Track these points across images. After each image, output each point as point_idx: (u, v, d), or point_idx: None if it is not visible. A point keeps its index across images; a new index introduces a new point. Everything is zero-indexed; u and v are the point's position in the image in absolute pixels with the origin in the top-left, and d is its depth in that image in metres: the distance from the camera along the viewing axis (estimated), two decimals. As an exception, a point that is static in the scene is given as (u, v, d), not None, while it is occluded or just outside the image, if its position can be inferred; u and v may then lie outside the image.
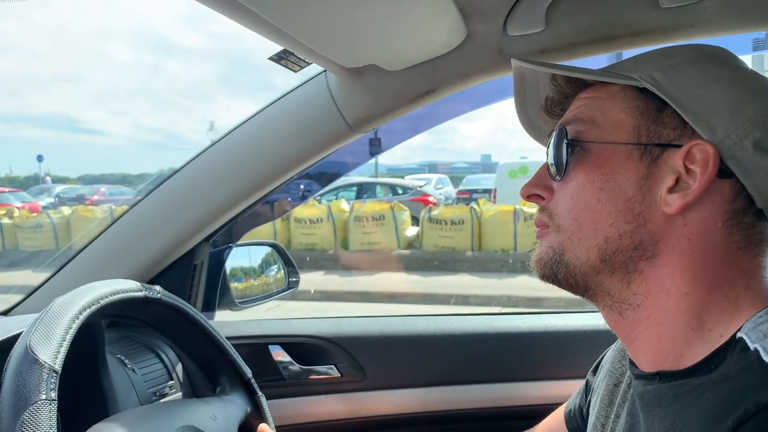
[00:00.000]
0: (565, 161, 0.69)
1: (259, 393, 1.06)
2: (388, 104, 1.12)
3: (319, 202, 10.98)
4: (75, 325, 0.74)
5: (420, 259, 9.56)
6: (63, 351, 0.70)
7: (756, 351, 0.55)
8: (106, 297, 0.82)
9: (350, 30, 0.88)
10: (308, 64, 1.07)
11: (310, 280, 8.64)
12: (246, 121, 1.23)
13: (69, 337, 0.73)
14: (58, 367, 0.68)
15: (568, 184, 0.70)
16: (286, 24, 0.82)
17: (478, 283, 8.45)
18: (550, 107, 0.79)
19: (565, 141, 0.70)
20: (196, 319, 1.02)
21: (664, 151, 0.64)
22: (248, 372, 1.08)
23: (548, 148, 0.73)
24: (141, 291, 0.90)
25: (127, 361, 1.22)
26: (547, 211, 0.73)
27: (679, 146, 0.64)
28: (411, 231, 10.57)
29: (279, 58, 1.04)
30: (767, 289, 0.64)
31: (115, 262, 1.30)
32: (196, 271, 1.41)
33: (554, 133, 0.72)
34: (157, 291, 0.94)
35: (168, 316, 1.01)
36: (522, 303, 7.16)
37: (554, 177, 0.72)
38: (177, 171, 1.29)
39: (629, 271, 0.66)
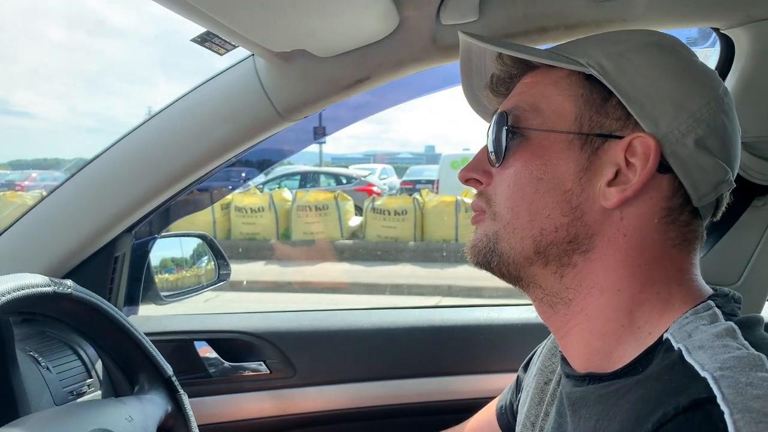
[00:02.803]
0: (504, 148, 0.68)
1: (181, 391, 1.02)
2: (320, 91, 1.08)
3: (261, 191, 10.82)
4: None
5: (363, 249, 9.56)
6: None
7: (679, 351, 0.55)
8: (9, 293, 0.77)
9: (275, 12, 0.83)
10: (234, 47, 1.01)
11: (250, 270, 8.51)
12: (171, 104, 1.17)
13: None
14: None
15: (506, 170, 0.68)
16: (205, 4, 0.77)
17: (421, 273, 8.51)
18: (495, 86, 0.77)
19: (505, 127, 0.68)
20: (111, 314, 0.97)
21: (605, 141, 0.63)
22: (169, 369, 1.03)
23: (488, 132, 0.72)
24: (49, 286, 0.85)
25: (41, 359, 1.16)
26: (485, 196, 0.71)
27: (620, 137, 0.63)
28: (354, 221, 10.54)
29: (202, 41, 0.98)
30: (698, 287, 0.64)
31: (28, 254, 1.22)
32: (117, 263, 1.34)
33: (494, 118, 0.70)
34: (68, 285, 0.88)
35: (80, 312, 0.95)
36: (462, 292, 7.25)
37: (493, 163, 0.70)
38: (96, 157, 1.22)
39: (563, 265, 0.65)
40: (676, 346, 0.56)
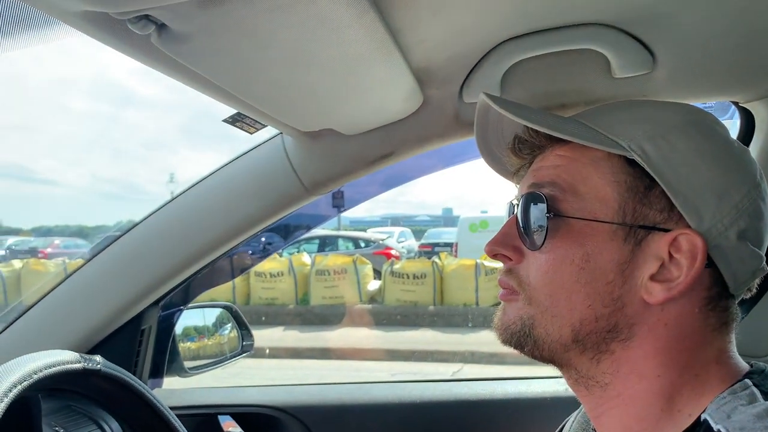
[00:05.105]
0: (542, 232, 0.64)
1: None
2: (345, 167, 1.11)
3: (280, 255, 10.83)
4: (3, 405, 0.71)
5: (382, 314, 9.45)
6: None
7: None
8: (40, 371, 0.79)
9: (304, 96, 0.87)
10: (264, 126, 1.05)
11: (269, 336, 8.44)
12: (200, 180, 1.20)
13: (4, 404, 0.70)
14: None
15: (543, 255, 0.65)
16: (236, 89, 0.81)
17: (441, 339, 8.37)
18: (519, 149, 0.73)
19: (545, 211, 0.64)
20: (140, 390, 0.97)
21: (648, 233, 0.61)
22: None
23: (519, 208, 0.68)
24: (79, 362, 0.86)
25: (65, 434, 1.15)
26: (515, 275, 0.68)
27: (665, 230, 0.61)
28: (373, 285, 10.48)
29: (233, 121, 1.02)
30: (735, 364, 0.63)
31: (57, 328, 1.24)
32: (143, 336, 1.35)
33: (527, 196, 0.67)
34: (97, 362, 0.89)
35: (108, 388, 0.96)
36: (485, 359, 7.10)
37: (527, 243, 0.67)
38: (126, 232, 1.24)
39: (600, 351, 0.64)
40: (715, 427, 0.55)
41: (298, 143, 1.09)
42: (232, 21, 0.60)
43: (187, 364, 1.53)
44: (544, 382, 1.44)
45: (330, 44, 0.68)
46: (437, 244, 16.72)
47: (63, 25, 0.67)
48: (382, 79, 0.86)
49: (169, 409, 1.01)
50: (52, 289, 1.26)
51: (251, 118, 1.01)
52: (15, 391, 0.73)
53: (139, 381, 0.99)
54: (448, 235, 18.21)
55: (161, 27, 0.60)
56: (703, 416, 0.57)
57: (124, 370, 0.96)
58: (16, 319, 1.25)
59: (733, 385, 0.60)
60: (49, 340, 1.21)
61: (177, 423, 1.01)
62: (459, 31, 0.86)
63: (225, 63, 0.70)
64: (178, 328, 1.52)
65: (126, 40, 0.64)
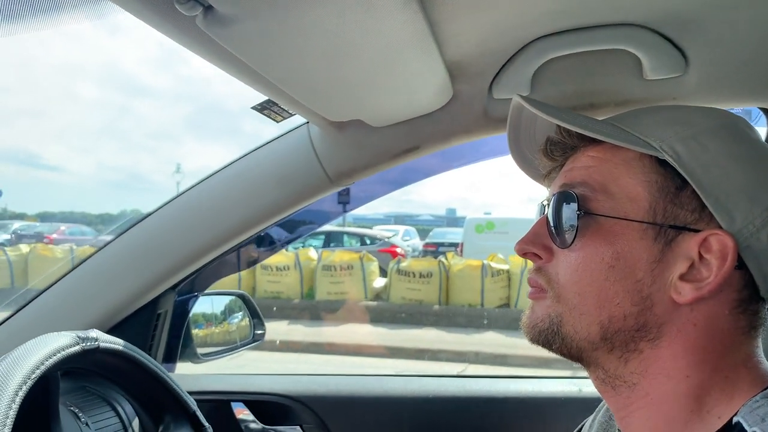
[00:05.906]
0: (573, 230, 0.65)
1: (206, 425, 1.03)
2: (370, 159, 1.11)
3: (287, 250, 10.83)
4: (14, 406, 0.72)
5: (387, 311, 9.45)
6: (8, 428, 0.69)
7: None
8: (42, 364, 0.81)
9: (338, 85, 0.87)
10: (291, 115, 1.05)
11: (274, 330, 8.46)
12: (223, 167, 1.21)
13: (12, 412, 0.71)
14: None
15: (573, 253, 0.65)
16: (273, 74, 0.81)
17: (446, 338, 8.36)
18: (550, 151, 0.74)
19: (576, 210, 0.65)
20: (136, 357, 0.99)
21: (678, 233, 0.62)
22: (193, 404, 1.04)
23: (550, 207, 0.69)
24: (78, 344, 0.89)
25: (81, 415, 1.16)
26: (544, 273, 0.69)
27: (695, 231, 0.61)
28: (379, 282, 10.48)
29: (262, 108, 1.03)
30: (765, 369, 0.63)
31: (75, 309, 1.25)
32: (159, 320, 1.36)
33: (558, 195, 0.67)
34: (94, 338, 0.91)
35: (114, 362, 1.00)
36: (489, 360, 7.10)
37: (557, 242, 0.67)
38: (147, 215, 1.25)
39: (629, 350, 0.64)
40: (750, 429, 0.55)
41: (325, 133, 1.10)
42: (279, 6, 0.60)
43: (200, 350, 1.53)
44: (559, 382, 1.43)
45: (372, 33, 0.69)
46: (442, 244, 16.69)
47: (72, 10, 0.67)
48: (416, 72, 0.86)
49: (175, 381, 1.02)
50: (70, 271, 1.27)
51: (279, 106, 1.01)
52: (21, 393, 0.75)
53: (140, 351, 0.99)
54: (452, 235, 18.21)
55: (208, 9, 0.60)
56: (735, 419, 0.57)
57: (125, 342, 0.97)
58: (33, 299, 1.26)
59: (765, 389, 0.60)
60: (65, 320, 1.22)
61: (174, 382, 1.02)
62: (494, 26, 0.86)
63: (266, 48, 0.71)
64: (193, 314, 1.53)
65: (170, 21, 0.64)
